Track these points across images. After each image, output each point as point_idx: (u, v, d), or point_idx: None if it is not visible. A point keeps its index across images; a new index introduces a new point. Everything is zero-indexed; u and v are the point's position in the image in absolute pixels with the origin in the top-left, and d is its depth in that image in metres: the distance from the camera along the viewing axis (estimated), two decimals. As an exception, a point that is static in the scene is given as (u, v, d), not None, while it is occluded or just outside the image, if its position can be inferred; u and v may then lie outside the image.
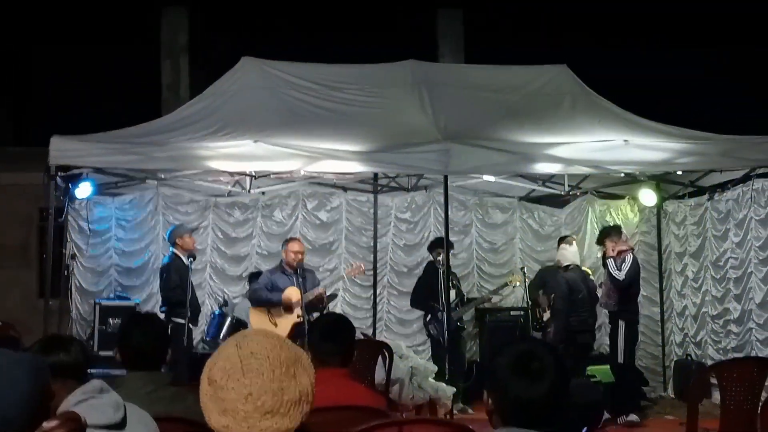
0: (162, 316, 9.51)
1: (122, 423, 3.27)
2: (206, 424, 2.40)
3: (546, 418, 2.70)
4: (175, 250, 10.15)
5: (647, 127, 9.73)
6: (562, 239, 11.34)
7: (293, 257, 9.88)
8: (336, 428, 3.34)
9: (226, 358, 2.37)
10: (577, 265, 11.04)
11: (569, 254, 10.97)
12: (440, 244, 10.37)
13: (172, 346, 4.48)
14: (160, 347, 4.28)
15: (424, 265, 11.76)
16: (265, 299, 9.85)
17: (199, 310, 10.49)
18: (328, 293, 10.36)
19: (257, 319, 9.87)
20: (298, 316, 9.61)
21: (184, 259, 9.94)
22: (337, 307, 11.66)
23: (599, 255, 11.07)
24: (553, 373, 2.71)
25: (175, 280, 9.90)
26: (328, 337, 4.38)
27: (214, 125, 9.21)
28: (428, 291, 10.67)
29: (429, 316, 10.87)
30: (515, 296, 12.10)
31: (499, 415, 2.77)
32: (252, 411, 2.28)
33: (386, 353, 8.61)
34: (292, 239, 10.43)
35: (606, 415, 9.55)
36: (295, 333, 9.39)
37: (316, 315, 9.20)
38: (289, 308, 9.77)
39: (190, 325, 9.68)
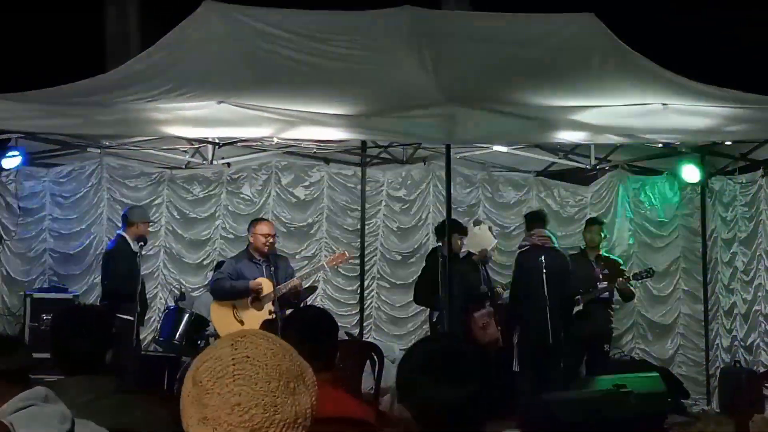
0: (103, 310, 9.50)
1: None
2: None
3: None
4: (124, 234, 10.15)
5: (690, 88, 9.71)
6: (590, 221, 11.38)
7: (263, 242, 9.85)
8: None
9: (217, 358, 2.34)
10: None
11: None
12: (455, 229, 10.26)
13: (116, 346, 4.46)
14: (101, 347, 4.25)
15: (422, 252, 11.76)
16: (229, 289, 9.81)
17: (147, 306, 10.51)
18: (305, 285, 10.35)
19: (220, 316, 9.85)
20: (270, 312, 9.59)
21: (133, 245, 9.95)
22: (316, 301, 11.68)
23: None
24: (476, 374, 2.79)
25: (122, 269, 9.89)
26: (306, 337, 4.35)
27: (170, 83, 9.14)
28: (435, 284, 10.58)
29: (436, 314, 10.71)
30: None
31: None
32: (237, 424, 2.26)
33: (375, 357, 8.63)
34: (260, 220, 10.42)
35: None
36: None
37: (290, 311, 9.17)
38: (257, 302, 9.75)
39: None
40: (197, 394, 2.31)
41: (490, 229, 11.11)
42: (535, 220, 10.87)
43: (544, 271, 10.12)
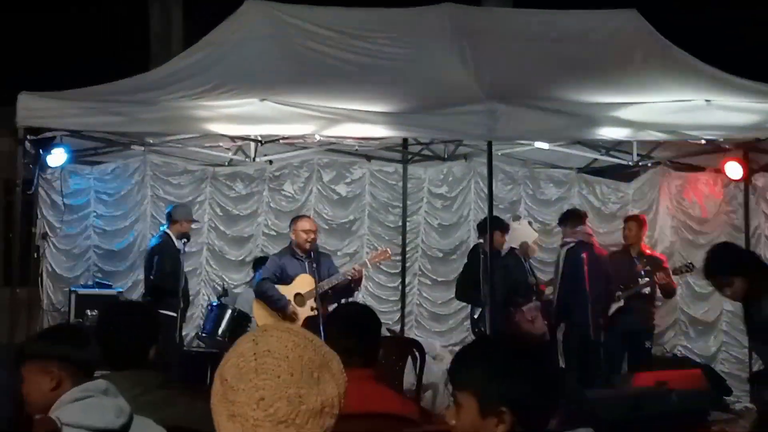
0: (147, 307, 9.57)
1: (122, 431, 3.31)
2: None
3: None
4: (167, 230, 10.26)
5: (734, 84, 9.65)
6: (628, 219, 11.35)
7: (304, 238, 9.88)
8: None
9: (240, 354, 2.36)
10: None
11: None
12: (497, 226, 10.23)
13: (160, 342, 4.51)
14: (146, 342, 4.30)
15: (463, 249, 11.74)
16: (269, 298, 9.83)
17: (189, 302, 10.58)
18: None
19: (262, 312, 9.88)
20: (312, 309, 9.62)
21: (176, 242, 10.04)
22: (358, 298, 11.67)
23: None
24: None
25: (166, 266, 9.98)
26: (349, 332, 4.38)
27: (213, 81, 9.19)
28: (477, 281, 10.55)
29: (478, 311, 10.67)
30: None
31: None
32: (263, 419, 2.27)
33: (417, 353, 8.62)
34: (301, 217, 10.46)
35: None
36: (307, 329, 9.39)
37: (333, 307, 9.18)
38: (299, 297, 9.79)
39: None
40: (224, 391, 2.34)
41: (530, 223, 11.09)
42: (576, 217, 10.89)
43: (586, 267, 10.11)
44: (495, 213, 9.81)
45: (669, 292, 11.15)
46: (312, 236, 9.93)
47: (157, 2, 17.51)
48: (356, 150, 11.91)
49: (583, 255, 10.29)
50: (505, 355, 3.01)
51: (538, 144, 11.02)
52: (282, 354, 2.33)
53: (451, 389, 3.05)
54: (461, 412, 2.95)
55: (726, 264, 6.74)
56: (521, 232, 10.76)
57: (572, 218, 10.92)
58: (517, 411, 2.87)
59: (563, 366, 10.59)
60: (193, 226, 10.92)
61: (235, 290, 11.74)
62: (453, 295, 11.68)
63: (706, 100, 8.97)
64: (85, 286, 11.08)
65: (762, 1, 16.17)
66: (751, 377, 11.06)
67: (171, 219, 10.39)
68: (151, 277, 10.28)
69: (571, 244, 10.63)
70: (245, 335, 2.45)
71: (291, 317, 9.70)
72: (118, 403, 3.48)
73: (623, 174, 12.65)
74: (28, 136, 9.20)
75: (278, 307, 9.79)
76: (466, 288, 10.82)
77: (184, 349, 10.69)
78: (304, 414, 2.29)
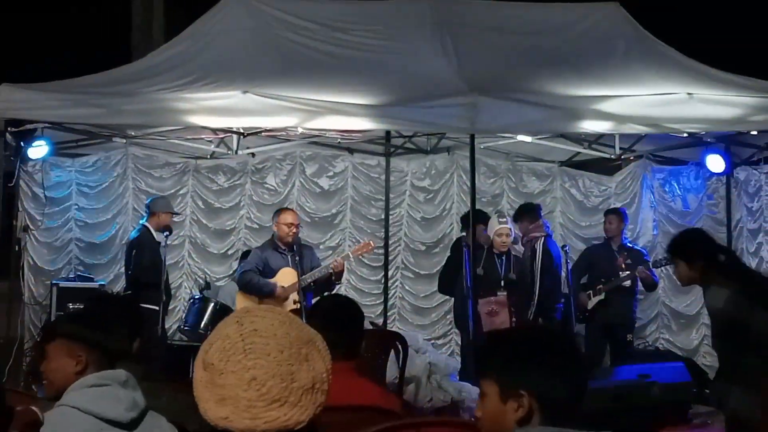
0: (127, 300, 9.56)
1: (131, 425, 3.30)
2: (185, 425, 2.39)
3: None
4: (146, 223, 10.24)
5: (716, 77, 9.66)
6: (608, 212, 11.37)
7: (286, 231, 9.90)
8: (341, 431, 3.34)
9: (225, 336, 2.35)
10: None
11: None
12: (479, 219, 10.22)
13: (143, 335, 4.50)
14: (131, 334, 4.30)
15: (446, 242, 11.74)
16: (256, 285, 9.84)
17: (171, 295, 10.56)
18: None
19: (245, 305, 9.86)
20: (295, 302, 9.64)
21: (156, 235, 10.04)
22: (341, 291, 11.67)
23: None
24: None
25: (145, 259, 9.97)
26: (331, 325, 4.36)
27: (195, 73, 9.17)
28: (458, 274, 10.55)
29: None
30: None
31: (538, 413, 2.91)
32: (256, 398, 2.26)
33: (400, 346, 8.63)
34: (283, 210, 10.44)
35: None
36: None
37: (316, 300, 9.19)
38: (282, 290, 9.79)
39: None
40: (210, 376, 2.32)
41: (498, 215, 10.97)
42: (533, 210, 10.89)
43: (565, 259, 10.20)
44: (477, 206, 9.82)
45: (650, 285, 11.18)
46: (294, 229, 9.95)
47: (139, -7, 17.47)
48: (339, 143, 11.90)
49: (566, 248, 10.37)
50: (524, 341, 3.03)
51: (521, 137, 11.05)
52: (270, 332, 2.32)
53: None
54: (485, 400, 2.96)
55: (674, 245, 6.73)
56: (490, 226, 10.72)
57: (531, 212, 10.90)
58: (539, 397, 2.88)
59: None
60: (175, 219, 10.90)
61: (218, 283, 11.74)
62: (436, 289, 11.71)
63: (688, 94, 8.98)
64: (67, 279, 11.07)
65: None
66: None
67: (150, 211, 10.38)
68: (130, 271, 10.25)
69: (542, 238, 10.62)
70: (226, 318, 2.43)
71: (282, 301, 9.71)
72: (135, 396, 3.47)
73: (606, 167, 12.69)
74: (9, 128, 9.17)
75: (265, 294, 9.77)
76: (448, 281, 10.85)
77: (167, 342, 10.67)
78: (297, 391, 2.29)
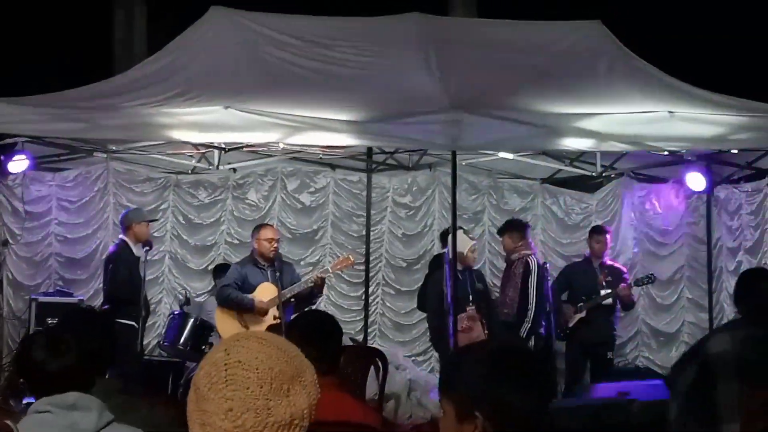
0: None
1: None
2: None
3: None
4: (125, 238, 10.22)
5: (697, 96, 9.68)
6: (594, 229, 11.39)
7: (267, 247, 9.91)
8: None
9: (213, 363, 2.38)
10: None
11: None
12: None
13: (119, 351, 4.49)
14: (106, 348, 4.28)
15: (427, 258, 11.74)
16: (235, 301, 9.83)
17: (149, 311, 10.52)
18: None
19: (225, 321, 9.87)
20: (275, 318, 9.62)
21: (134, 249, 10.01)
22: (321, 307, 11.66)
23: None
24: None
25: (122, 274, 9.94)
26: (310, 340, 4.36)
27: (176, 88, 9.14)
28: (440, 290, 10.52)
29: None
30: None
31: None
32: (231, 429, 2.29)
33: (380, 363, 8.62)
34: (264, 225, 10.47)
35: None
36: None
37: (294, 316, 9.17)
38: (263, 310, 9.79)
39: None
40: (197, 399, 2.36)
41: (465, 232, 10.92)
42: (522, 227, 10.99)
43: (549, 278, 10.25)
44: (459, 223, 9.83)
45: (627, 304, 11.21)
46: (275, 245, 9.96)
47: (121, 8, 17.42)
48: (320, 159, 11.92)
49: (547, 266, 10.39)
50: (482, 360, 2.98)
51: (503, 154, 11.08)
52: (252, 365, 2.34)
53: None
54: (443, 419, 2.93)
55: None
56: (461, 242, 10.69)
57: (519, 228, 10.93)
58: (496, 419, 2.85)
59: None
60: (156, 234, 10.88)
61: (198, 299, 11.70)
62: (416, 305, 11.70)
63: (670, 112, 9.01)
64: (46, 294, 11.02)
65: (724, 14, 16.33)
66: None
67: (124, 226, 10.33)
68: (107, 285, 10.22)
69: (530, 255, 10.64)
70: (220, 343, 2.47)
71: (260, 314, 9.70)
72: (77, 419, 3.44)
73: (587, 185, 12.73)
74: (-12, 142, 9.16)
75: (245, 308, 9.77)
76: (426, 298, 10.86)
77: (144, 358, 10.63)
78: (272, 426, 2.31)
